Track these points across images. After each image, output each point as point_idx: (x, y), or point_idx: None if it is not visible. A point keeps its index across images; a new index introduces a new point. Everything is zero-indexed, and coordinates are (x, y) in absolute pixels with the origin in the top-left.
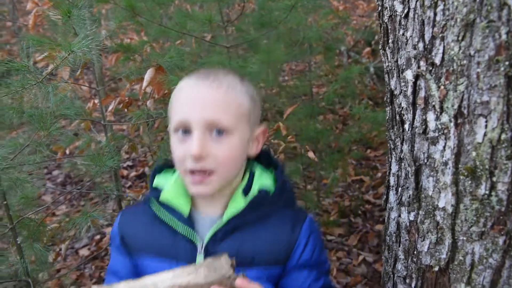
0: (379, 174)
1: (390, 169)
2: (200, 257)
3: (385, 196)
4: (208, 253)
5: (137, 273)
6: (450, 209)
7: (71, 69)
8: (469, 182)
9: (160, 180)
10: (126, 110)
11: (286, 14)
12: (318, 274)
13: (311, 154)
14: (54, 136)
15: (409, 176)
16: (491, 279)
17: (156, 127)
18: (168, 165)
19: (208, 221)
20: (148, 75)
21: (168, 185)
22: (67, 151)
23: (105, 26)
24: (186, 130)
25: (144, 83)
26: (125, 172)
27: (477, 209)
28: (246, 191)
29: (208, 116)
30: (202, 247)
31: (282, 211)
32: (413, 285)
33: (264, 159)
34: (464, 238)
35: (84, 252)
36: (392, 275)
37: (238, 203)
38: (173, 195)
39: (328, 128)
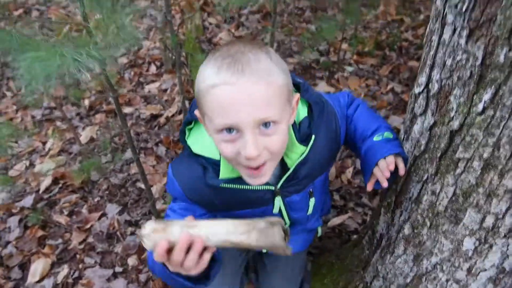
0: (422, 17)
1: None
2: (278, 198)
3: None
4: (282, 192)
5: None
6: None
7: None
8: None
9: (198, 143)
10: None
11: None
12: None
13: None
14: None
15: None
16: None
17: None
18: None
19: None
20: None
21: (208, 151)
22: None
23: None
24: (232, 130)
25: None
26: None
27: None
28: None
29: (258, 116)
30: (276, 192)
31: (323, 119)
32: (464, 8)
33: None
34: None
35: (123, 60)
36: (442, 10)
37: (299, 149)
38: (231, 171)
39: None
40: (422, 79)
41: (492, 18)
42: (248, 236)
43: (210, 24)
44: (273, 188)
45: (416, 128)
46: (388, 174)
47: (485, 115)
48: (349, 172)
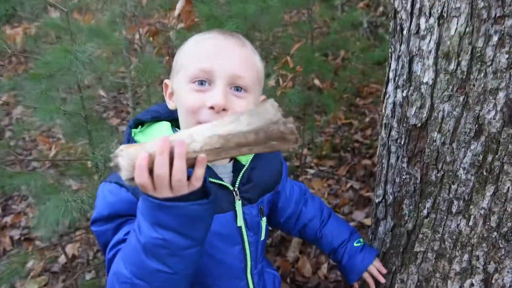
0: (367, 119)
1: (389, 67)
2: (238, 202)
3: (384, 89)
4: (241, 194)
5: None
6: (430, 82)
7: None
8: (444, 62)
9: (148, 138)
10: (151, 39)
11: None
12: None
13: (317, 82)
14: None
15: (405, 65)
16: (454, 126)
17: None
18: (142, 120)
19: (222, 169)
20: (180, 4)
21: None
22: None
23: None
24: (204, 82)
25: (176, 11)
26: None
27: (448, 80)
28: None
29: (235, 69)
30: (235, 193)
31: None
32: (402, 142)
33: None
34: (438, 101)
35: None
36: (387, 141)
37: None
38: None
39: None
40: (380, 191)
41: (422, 150)
42: (238, 123)
43: None
44: (231, 187)
45: (381, 229)
46: (383, 280)
47: (430, 218)
48: (324, 268)
